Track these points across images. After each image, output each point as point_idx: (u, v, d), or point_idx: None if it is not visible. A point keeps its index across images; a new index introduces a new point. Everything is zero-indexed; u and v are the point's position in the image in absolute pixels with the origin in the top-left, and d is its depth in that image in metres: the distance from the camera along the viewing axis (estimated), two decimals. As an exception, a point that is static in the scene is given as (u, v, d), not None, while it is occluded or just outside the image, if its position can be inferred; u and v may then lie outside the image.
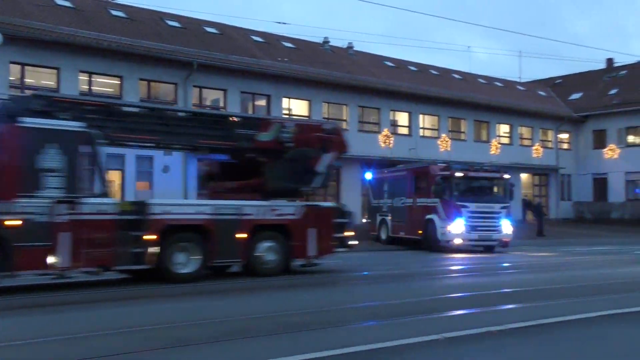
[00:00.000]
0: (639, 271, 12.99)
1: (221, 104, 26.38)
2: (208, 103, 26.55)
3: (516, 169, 36.88)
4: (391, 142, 30.84)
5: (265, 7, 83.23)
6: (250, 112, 27.31)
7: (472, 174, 20.42)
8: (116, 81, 23.60)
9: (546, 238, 28.91)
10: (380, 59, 35.17)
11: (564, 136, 40.94)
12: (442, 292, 10.09)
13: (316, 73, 28.69)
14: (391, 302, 8.62)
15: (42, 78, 22.19)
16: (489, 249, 20.20)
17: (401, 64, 35.61)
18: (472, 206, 19.75)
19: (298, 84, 27.99)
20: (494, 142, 36.00)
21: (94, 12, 25.05)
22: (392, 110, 31.80)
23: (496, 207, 20.22)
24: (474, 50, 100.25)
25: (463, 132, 35.02)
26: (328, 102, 29.42)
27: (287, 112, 28.05)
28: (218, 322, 7.09)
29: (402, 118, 32.56)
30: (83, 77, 22.75)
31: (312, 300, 9.16)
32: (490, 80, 40.39)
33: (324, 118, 28.99)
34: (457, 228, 19.66)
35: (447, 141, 33.47)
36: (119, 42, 23.33)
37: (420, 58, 58.89)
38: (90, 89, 22.95)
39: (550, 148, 39.58)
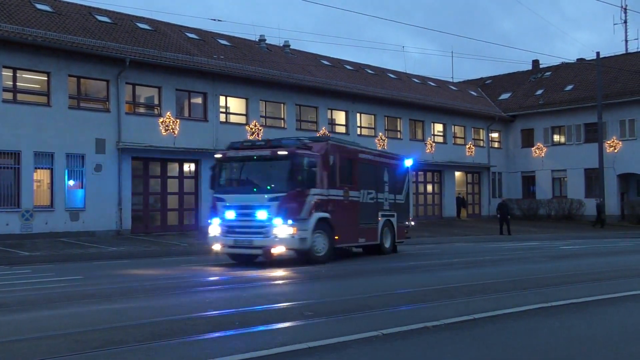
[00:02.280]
0: (564, 265, 13.40)
1: (155, 102, 25.62)
2: (142, 100, 25.72)
3: (451, 167, 37.76)
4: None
5: (198, 4, 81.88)
6: (186, 110, 26.68)
7: (232, 153, 14.44)
8: (43, 77, 22.48)
9: (476, 234, 29.63)
10: (317, 57, 35.18)
11: (495, 135, 42.24)
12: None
13: (253, 71, 28.34)
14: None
15: (-39, 73, 20.87)
16: (250, 260, 14.45)
17: (338, 63, 35.74)
18: (229, 199, 14.13)
19: (235, 82, 27.56)
20: (429, 140, 36.70)
21: (16, 5, 23.77)
22: (329, 108, 31.85)
23: (260, 198, 13.71)
24: (408, 50, 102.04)
25: (399, 131, 35.50)
26: (265, 101, 29.13)
27: (223, 110, 27.58)
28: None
29: (340, 117, 32.66)
30: (7, 73, 21.55)
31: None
32: (424, 80, 41.17)
33: (262, 116, 28.72)
34: (214, 230, 14.26)
35: (383, 140, 33.85)
36: (45, 37, 22.23)
37: (355, 57, 59.71)
38: (14, 85, 21.77)
39: (482, 147, 40.74)
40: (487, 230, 30.94)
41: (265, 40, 33.17)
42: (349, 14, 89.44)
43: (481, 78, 48.57)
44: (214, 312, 7.37)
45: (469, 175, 40.54)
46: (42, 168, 22.11)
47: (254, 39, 33.10)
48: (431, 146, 36.63)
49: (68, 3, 26.29)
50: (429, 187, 37.67)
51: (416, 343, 5.62)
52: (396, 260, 15.45)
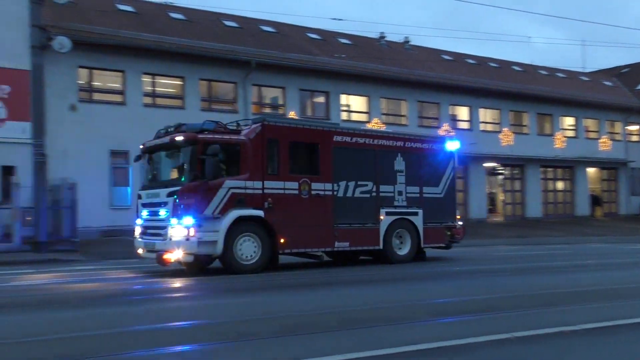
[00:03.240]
0: None
1: (280, 102, 26.44)
2: (267, 101, 26.65)
3: (583, 162, 35.57)
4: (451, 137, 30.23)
5: (320, 4, 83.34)
6: (309, 109, 27.29)
7: (148, 143, 12.48)
8: (178, 82, 23.97)
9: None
10: (437, 52, 34.53)
11: (634, 128, 39.19)
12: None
13: (374, 69, 28.39)
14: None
15: (108, 81, 22.77)
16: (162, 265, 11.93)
17: (459, 57, 34.87)
18: (143, 195, 12.33)
19: (356, 80, 27.76)
20: (558, 135, 34.79)
21: (154, 15, 25.54)
22: (451, 104, 31.16)
23: (162, 194, 11.64)
24: (534, 41, 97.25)
25: (525, 126, 33.99)
26: (386, 98, 29.08)
27: (345, 108, 27.89)
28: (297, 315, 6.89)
29: (462, 112, 31.85)
30: (146, 79, 23.21)
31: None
32: (552, 71, 39.09)
33: (382, 114, 28.70)
34: (136, 231, 12.45)
35: (509, 135, 32.56)
36: (179, 44, 23.68)
37: (477, 50, 57.78)
38: (154, 91, 23.41)
39: (619, 141, 37.96)
40: (625, 231, 28.82)
41: (385, 37, 33.11)
42: (468, 6, 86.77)
43: (617, 67, 45.20)
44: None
45: (604, 172, 37.95)
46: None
47: (374, 37, 33.16)
48: (561, 141, 34.69)
49: (199, 11, 27.82)
50: (559, 184, 35.73)
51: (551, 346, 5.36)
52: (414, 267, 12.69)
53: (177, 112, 23.37)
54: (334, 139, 13.00)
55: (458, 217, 15.20)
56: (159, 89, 23.68)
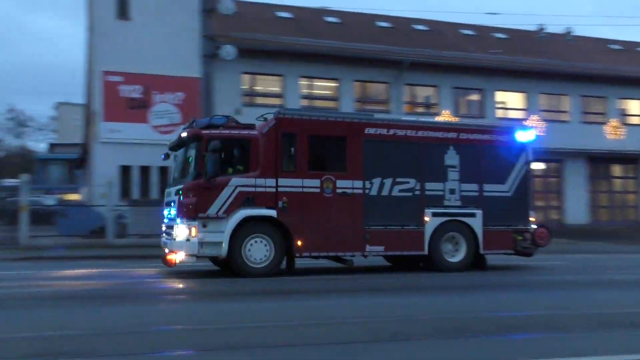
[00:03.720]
0: None
1: (433, 101, 26.17)
2: (420, 100, 26.51)
3: None
4: (621, 133, 27.99)
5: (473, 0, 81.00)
6: (462, 107, 26.71)
7: (170, 141, 12.56)
8: (334, 84, 24.67)
9: None
10: (604, 42, 32.09)
11: None
12: None
13: (532, 63, 27.06)
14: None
15: (268, 85, 24.05)
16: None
17: (629, 46, 32.12)
18: (165, 193, 12.39)
19: (512, 76, 26.65)
20: None
21: (310, 20, 26.48)
22: (620, 98, 28.80)
23: (172, 193, 11.54)
24: None
25: None
26: (546, 94, 27.58)
27: (501, 106, 26.92)
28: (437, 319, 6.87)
29: (633, 106, 29.32)
30: (304, 82, 24.17)
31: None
32: None
33: (542, 110, 27.29)
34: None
35: (688, 130, 29.40)
36: (333, 47, 24.34)
37: (648, 39, 52.54)
38: (310, 93, 24.32)
39: None
40: None
41: (544, 29, 31.42)
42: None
43: None
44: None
45: None
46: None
47: (532, 29, 31.62)
48: None
49: (352, 13, 28.38)
50: None
51: None
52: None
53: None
54: (366, 132, 11.72)
55: (533, 219, 12.94)
56: (315, 92, 24.54)
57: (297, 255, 11.21)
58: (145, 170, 21.38)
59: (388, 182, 11.75)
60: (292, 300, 8.77)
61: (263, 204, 10.90)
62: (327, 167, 11.55)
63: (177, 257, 10.80)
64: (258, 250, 10.84)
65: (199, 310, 8.01)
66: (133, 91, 21.28)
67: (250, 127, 11.47)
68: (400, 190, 11.85)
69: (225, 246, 10.62)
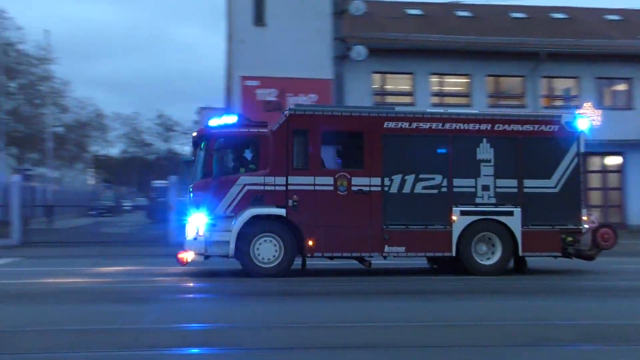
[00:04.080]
0: None
1: (573, 93, 24.71)
2: (558, 93, 25.14)
3: None
4: None
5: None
6: (606, 98, 24.98)
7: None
8: (465, 80, 24.14)
9: None
10: None
11: None
12: None
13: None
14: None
15: (399, 84, 24.07)
16: None
17: None
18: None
19: (665, 62, 24.48)
20: None
21: (441, 16, 26.08)
22: None
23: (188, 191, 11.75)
24: None
25: None
26: None
27: (652, 95, 24.81)
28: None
29: None
30: (434, 79, 23.89)
31: None
32: None
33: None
34: None
35: None
36: (465, 42, 23.79)
37: None
38: (441, 90, 23.99)
39: None
40: None
41: (703, 9, 28.47)
42: None
43: None
44: None
45: None
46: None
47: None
48: None
49: (485, 6, 27.50)
50: None
51: None
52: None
53: (463, 110, 23.50)
54: (385, 126, 11.15)
55: (586, 217, 11.76)
56: (446, 89, 24.17)
57: (309, 255, 11.05)
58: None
59: (410, 178, 11.13)
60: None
61: (272, 202, 10.81)
62: (343, 163, 11.40)
63: (188, 255, 10.86)
64: (267, 250, 10.75)
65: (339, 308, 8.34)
66: (269, 94, 22.20)
67: (263, 125, 11.43)
68: (424, 188, 11.17)
69: (232, 245, 10.60)
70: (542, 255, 11.67)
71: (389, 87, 23.93)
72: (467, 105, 23.66)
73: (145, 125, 60.72)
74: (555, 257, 11.66)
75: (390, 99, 23.58)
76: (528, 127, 11.58)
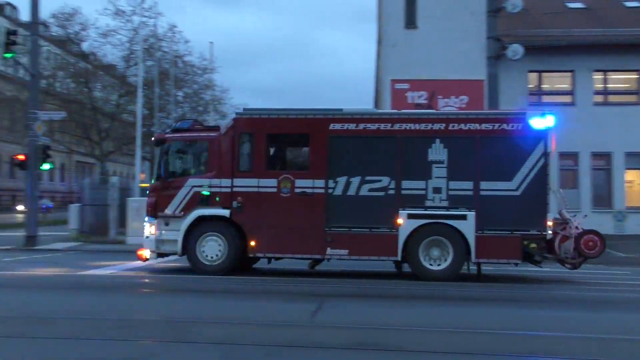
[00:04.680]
0: None
1: None
2: None
3: None
4: None
5: None
6: None
7: None
8: (634, 76, 22.27)
9: None
10: None
11: None
12: None
13: None
14: None
15: (556, 82, 22.79)
16: None
17: None
18: None
19: None
20: None
21: (606, 8, 24.25)
22: None
23: None
24: None
25: None
26: None
27: None
28: None
29: None
30: (598, 77, 22.28)
31: None
32: None
33: None
34: None
35: None
36: (634, 35, 21.91)
37: None
38: (605, 88, 22.33)
39: None
40: None
41: None
42: None
43: None
44: None
45: None
46: (633, 169, 22.03)
47: None
48: None
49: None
50: None
51: None
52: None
53: (630, 109, 21.77)
54: (331, 128, 10.99)
55: (551, 223, 10.73)
56: (610, 86, 22.45)
57: (251, 255, 11.23)
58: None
59: (355, 180, 10.92)
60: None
61: (219, 203, 11.18)
62: (286, 166, 11.65)
63: (145, 253, 11.55)
64: (212, 249, 11.16)
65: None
66: (419, 97, 22.06)
67: (215, 129, 11.81)
68: (371, 190, 10.89)
69: (180, 244, 11.16)
70: (499, 262, 11.01)
71: (545, 86, 22.73)
72: (635, 104, 21.79)
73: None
74: (516, 264, 11.04)
75: (546, 99, 22.38)
76: (487, 126, 10.86)
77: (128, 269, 12.60)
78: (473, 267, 11.33)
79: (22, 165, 18.70)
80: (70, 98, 34.27)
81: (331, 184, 11.02)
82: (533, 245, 10.66)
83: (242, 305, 8.44)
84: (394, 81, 22.23)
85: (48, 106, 28.24)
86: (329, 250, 11.00)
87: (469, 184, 10.73)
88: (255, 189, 11.18)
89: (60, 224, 26.72)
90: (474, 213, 10.64)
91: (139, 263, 12.54)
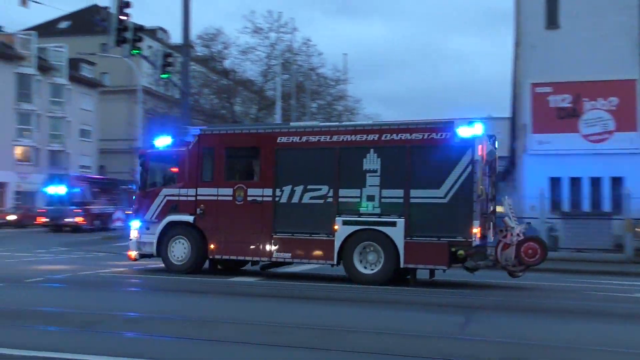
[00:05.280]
0: None
1: None
2: None
3: None
4: None
5: None
6: None
7: None
8: None
9: None
10: None
11: None
12: None
13: None
14: None
15: None
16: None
17: None
18: None
19: None
20: None
21: None
22: None
23: None
24: None
25: None
26: None
27: None
28: None
29: None
30: None
31: None
32: None
33: None
34: None
35: None
36: None
37: None
38: None
39: None
40: None
41: None
42: None
43: None
44: None
45: None
46: None
47: None
48: None
49: None
50: None
51: None
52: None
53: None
54: (278, 141, 11.92)
55: (476, 230, 10.68)
56: None
57: (211, 257, 12.40)
58: (575, 182, 20.61)
59: (299, 189, 11.61)
60: None
61: (185, 210, 12.42)
62: (241, 176, 12.45)
63: (133, 253, 13.00)
64: (179, 250, 12.41)
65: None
66: (562, 101, 20.77)
67: (187, 144, 12.70)
68: (312, 198, 11.54)
69: (154, 246, 12.51)
70: (426, 267, 11.19)
71: None
72: None
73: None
74: (444, 270, 11.16)
75: None
76: (417, 136, 11.11)
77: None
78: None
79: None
80: (213, 113, 36.40)
81: (278, 192, 11.81)
82: (461, 252, 10.70)
83: (393, 315, 8.34)
84: (535, 85, 21.11)
85: (195, 121, 30.16)
86: (275, 254, 11.79)
87: (399, 192, 11.08)
88: (215, 198, 12.28)
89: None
90: (403, 220, 10.99)
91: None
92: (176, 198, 12.55)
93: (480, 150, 10.85)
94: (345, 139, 11.61)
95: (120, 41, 16.22)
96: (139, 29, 16.86)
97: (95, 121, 48.97)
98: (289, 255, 11.72)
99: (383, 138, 11.33)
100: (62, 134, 45.16)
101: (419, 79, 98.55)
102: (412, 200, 11.00)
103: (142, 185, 13.12)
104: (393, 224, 11.04)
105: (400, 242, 10.96)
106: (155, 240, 12.51)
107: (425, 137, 11.14)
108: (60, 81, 44.41)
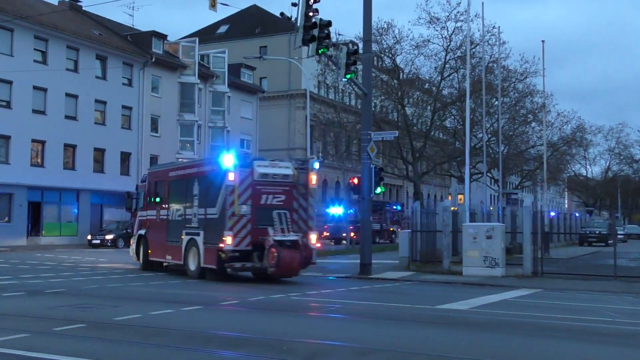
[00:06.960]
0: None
1: None
2: None
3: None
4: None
5: None
6: None
7: None
8: None
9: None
10: None
11: None
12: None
13: None
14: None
15: None
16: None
17: None
18: None
19: None
20: None
21: None
22: None
23: None
24: None
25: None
26: None
27: None
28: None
29: None
30: None
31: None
32: None
33: None
34: None
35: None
36: None
37: None
38: None
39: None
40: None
41: None
42: None
43: None
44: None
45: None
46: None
47: None
48: None
49: None
50: None
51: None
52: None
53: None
54: (170, 175, 17.79)
55: (228, 238, 14.69)
56: None
57: (151, 259, 18.12)
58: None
59: (174, 209, 17.30)
60: None
61: (143, 227, 18.78)
62: (160, 202, 18.00)
63: (134, 257, 19.15)
64: (140, 254, 18.70)
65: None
66: None
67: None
68: (178, 215, 17.02)
69: (134, 251, 19.07)
70: (213, 268, 15.31)
71: None
72: None
73: (633, 138, 54.16)
74: (214, 270, 15.27)
75: None
76: (201, 169, 16.67)
77: (483, 305, 11.87)
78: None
79: (355, 189, 18.53)
80: (383, 118, 32.74)
81: (169, 212, 17.44)
82: (222, 255, 14.87)
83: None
84: None
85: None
86: (166, 257, 17.34)
87: (202, 210, 15.96)
88: (153, 217, 18.17)
89: (377, 250, 24.55)
90: (202, 231, 15.85)
91: (493, 298, 12.72)
92: (143, 218, 18.89)
93: (232, 177, 14.73)
94: (187, 172, 17.05)
95: (308, 40, 15.48)
96: (327, 25, 15.70)
97: (255, 130, 47.21)
98: (170, 257, 17.11)
99: (195, 170, 16.82)
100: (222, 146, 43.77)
101: (617, 67, 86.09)
102: (207, 216, 15.67)
103: (133, 208, 19.72)
104: (198, 234, 15.93)
105: (201, 248, 15.71)
106: (133, 247, 19.10)
107: (204, 169, 16.37)
108: (221, 89, 42.70)
